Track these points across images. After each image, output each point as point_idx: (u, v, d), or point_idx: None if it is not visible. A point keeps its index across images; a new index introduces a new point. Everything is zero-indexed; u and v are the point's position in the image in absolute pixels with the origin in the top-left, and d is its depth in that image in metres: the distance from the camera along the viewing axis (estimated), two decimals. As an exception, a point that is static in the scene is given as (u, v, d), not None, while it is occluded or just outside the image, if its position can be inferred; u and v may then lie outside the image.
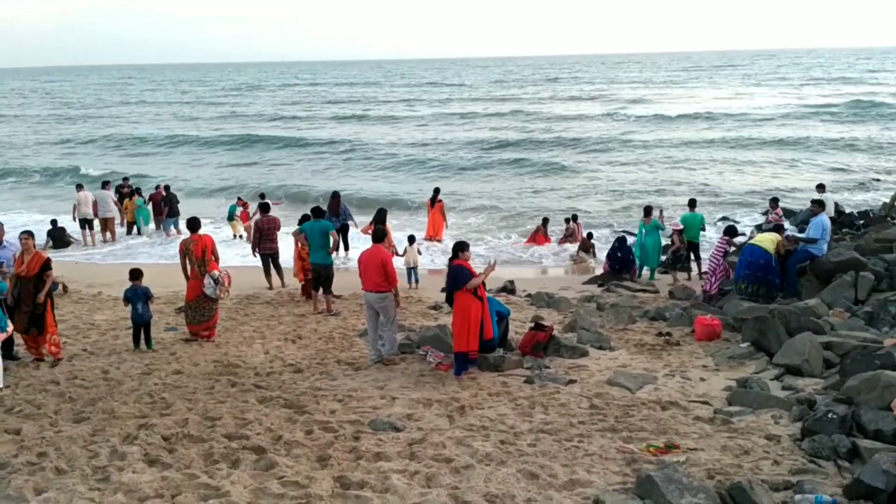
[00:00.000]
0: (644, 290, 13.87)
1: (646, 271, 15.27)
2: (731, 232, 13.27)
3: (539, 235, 19.17)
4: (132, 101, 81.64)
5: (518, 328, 10.56)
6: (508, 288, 13.81)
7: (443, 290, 9.30)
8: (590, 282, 14.95)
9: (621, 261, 14.92)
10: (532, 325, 10.09)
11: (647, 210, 15.46)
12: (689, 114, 48.36)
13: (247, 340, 10.47)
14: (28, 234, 9.19)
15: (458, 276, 8.62)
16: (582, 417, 7.08)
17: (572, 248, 18.23)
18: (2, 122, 62.06)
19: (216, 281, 10.23)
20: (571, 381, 8.29)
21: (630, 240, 16.14)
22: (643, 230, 15.10)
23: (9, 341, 9.17)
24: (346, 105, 68.86)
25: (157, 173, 32.23)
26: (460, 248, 8.91)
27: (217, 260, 10.53)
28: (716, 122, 44.98)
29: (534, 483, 5.58)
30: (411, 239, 14.81)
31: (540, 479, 5.61)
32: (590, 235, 18.18)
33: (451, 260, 8.94)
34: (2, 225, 9.29)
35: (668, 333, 10.40)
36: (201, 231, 10.60)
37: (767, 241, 11.65)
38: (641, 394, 7.88)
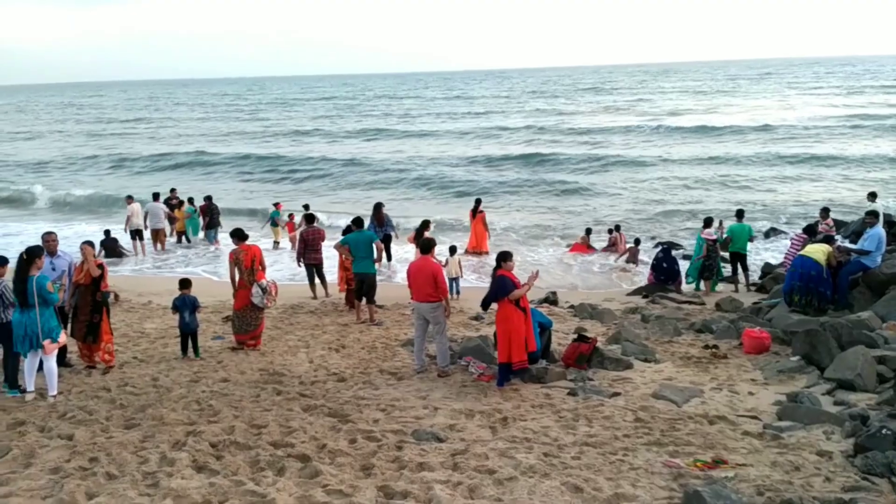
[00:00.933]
0: (690, 302, 13.66)
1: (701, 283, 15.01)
2: (810, 230, 13.16)
3: (581, 245, 19.05)
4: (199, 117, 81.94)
5: (561, 340, 10.49)
6: (551, 299, 13.74)
7: (483, 300, 9.29)
8: (634, 293, 14.80)
9: (666, 272, 14.74)
10: (575, 336, 10.01)
11: (708, 221, 15.22)
12: (734, 125, 47.22)
13: (291, 349, 10.61)
14: (89, 244, 9.47)
15: (501, 286, 8.62)
16: (627, 431, 7.00)
17: (615, 258, 18.07)
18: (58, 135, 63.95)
19: (264, 290, 10.41)
20: (616, 394, 8.20)
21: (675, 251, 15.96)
22: (701, 242, 14.86)
23: (62, 349, 9.45)
24: (380, 118, 68.88)
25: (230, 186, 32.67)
26: (503, 257, 8.90)
27: (264, 269, 10.72)
28: (760, 133, 44.00)
29: (578, 496, 5.52)
30: (452, 249, 14.84)
31: (584, 493, 5.56)
32: (637, 241, 18.00)
33: (494, 270, 8.95)
34: (56, 235, 9.58)
35: (715, 346, 10.22)
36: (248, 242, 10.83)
37: (818, 251, 11.39)
38: (688, 407, 7.75)
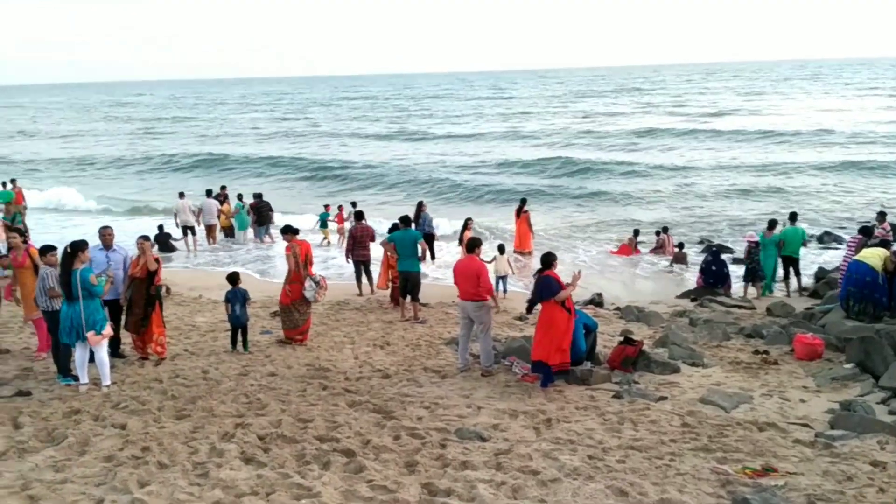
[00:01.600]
0: (739, 306, 13.39)
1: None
2: (866, 231, 12.86)
3: (628, 247, 18.83)
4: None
5: (606, 342, 10.40)
6: (596, 300, 13.62)
7: (528, 301, 9.26)
8: (682, 296, 14.57)
9: (715, 274, 14.48)
10: (621, 339, 9.91)
11: (772, 223, 14.87)
12: (787, 128, 45.86)
13: (337, 345, 10.73)
14: (145, 238, 9.75)
15: (546, 286, 8.58)
16: (673, 435, 6.90)
17: (662, 260, 17.82)
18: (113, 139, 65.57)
19: (317, 283, 10.60)
20: (662, 398, 8.10)
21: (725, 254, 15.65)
22: (764, 243, 14.54)
23: (115, 340, 9.73)
24: (422, 118, 68.70)
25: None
26: (548, 259, 8.86)
27: (311, 265, 10.89)
28: (816, 136, 42.65)
29: (623, 500, 5.48)
30: (501, 248, 14.83)
31: (630, 497, 5.51)
32: (681, 245, 17.72)
33: (539, 271, 8.91)
34: (112, 229, 9.87)
35: (766, 352, 10.01)
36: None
37: (874, 256, 11.03)
38: (737, 413, 7.62)
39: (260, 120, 75.68)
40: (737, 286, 14.70)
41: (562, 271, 9.11)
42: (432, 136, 54.20)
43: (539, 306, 8.74)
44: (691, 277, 15.87)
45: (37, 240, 13.06)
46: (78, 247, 8.47)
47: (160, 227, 20.36)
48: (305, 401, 7.96)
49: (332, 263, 17.92)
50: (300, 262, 10.64)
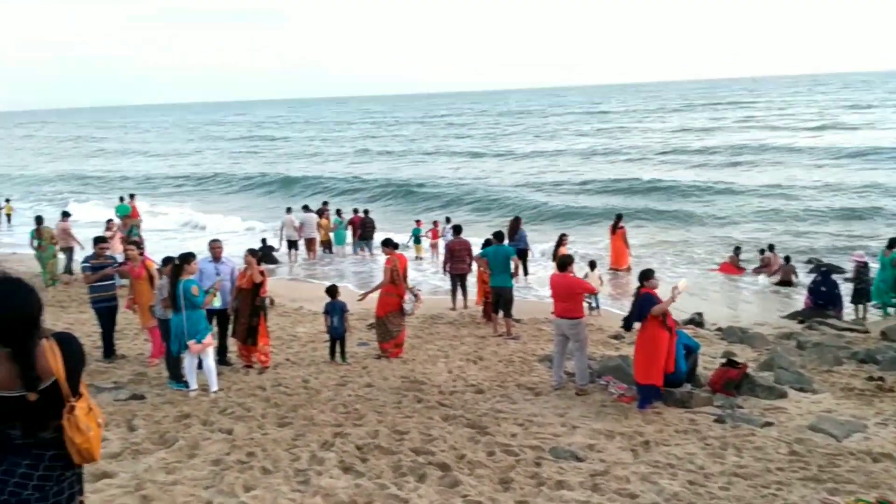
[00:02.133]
0: (852, 329, 12.70)
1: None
2: None
3: (730, 265, 18.17)
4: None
5: (707, 363, 10.07)
6: (696, 320, 13.21)
7: (624, 319, 9.09)
8: (789, 317, 13.94)
9: (825, 296, 13.77)
10: (723, 360, 9.57)
11: (892, 242, 14.05)
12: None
13: (431, 359, 10.85)
14: (252, 252, 10.24)
15: (645, 304, 8.41)
16: (780, 464, 6.60)
17: (768, 279, 17.10)
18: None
19: (415, 296, 10.79)
20: (768, 424, 7.75)
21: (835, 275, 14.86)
22: (883, 262, 13.78)
23: (223, 348, 10.21)
24: (514, 136, 68.29)
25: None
26: (646, 275, 8.70)
27: (406, 279, 11.11)
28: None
29: (726, 529, 5.28)
30: (592, 264, 14.63)
31: (733, 526, 5.30)
32: (787, 259, 16.97)
33: (637, 289, 8.74)
34: (220, 242, 10.41)
35: (881, 378, 9.44)
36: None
37: None
38: (849, 443, 7.20)
39: (359, 139, 77.03)
40: (849, 309, 13.94)
41: (662, 292, 8.85)
42: (521, 152, 53.88)
43: (637, 325, 8.57)
44: (798, 298, 15.15)
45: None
46: (185, 259, 8.97)
47: (263, 241, 21.20)
48: (401, 413, 8.07)
49: (428, 276, 18.15)
50: (399, 276, 10.84)
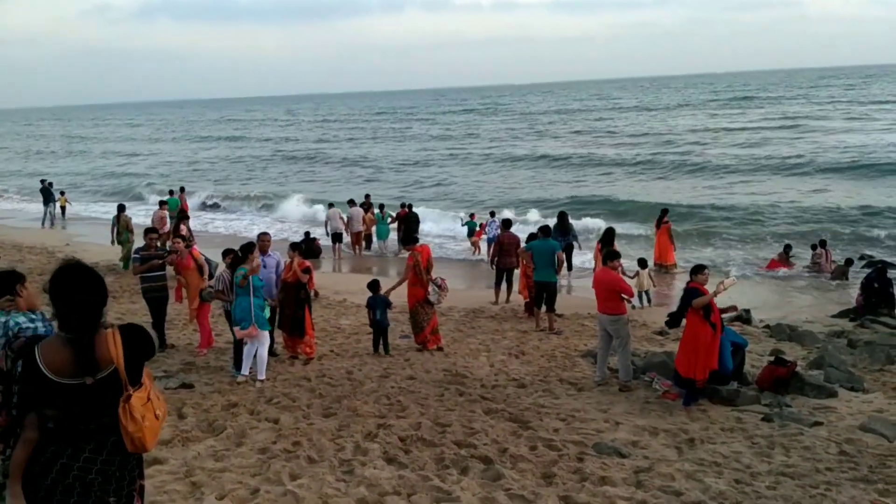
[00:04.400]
0: (906, 328, 12.31)
1: None
2: None
3: (779, 262, 17.78)
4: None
5: (755, 361, 9.89)
6: (743, 317, 12.96)
7: (669, 315, 8.98)
8: (840, 315, 13.58)
9: (879, 293, 13.38)
10: (772, 358, 9.39)
11: None
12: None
13: (473, 352, 10.88)
14: (295, 247, 10.46)
15: (689, 297, 8.32)
16: (829, 464, 6.46)
17: (819, 276, 16.71)
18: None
19: (439, 287, 10.86)
20: (817, 423, 7.59)
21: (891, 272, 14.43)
22: None
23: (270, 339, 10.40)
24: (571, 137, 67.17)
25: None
26: (696, 270, 8.62)
27: (432, 270, 11.22)
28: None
29: (773, 529, 5.20)
30: (643, 263, 14.47)
31: (781, 526, 5.22)
32: (849, 262, 16.54)
33: (687, 283, 8.66)
34: (269, 235, 10.66)
35: (937, 379, 9.15)
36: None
37: None
38: (902, 444, 7.01)
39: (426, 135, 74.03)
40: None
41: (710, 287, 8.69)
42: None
43: (685, 321, 8.47)
44: (851, 295, 14.76)
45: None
46: (246, 249, 9.24)
47: (307, 234, 21.46)
48: (443, 405, 8.12)
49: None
50: (422, 269, 10.90)
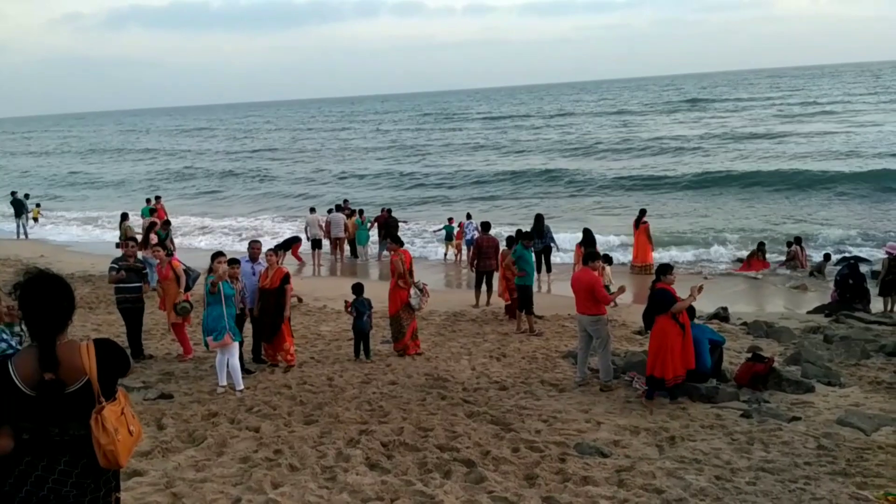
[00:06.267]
0: (880, 322, 12.50)
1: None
2: None
3: (755, 260, 17.98)
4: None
5: (732, 358, 9.99)
6: (721, 315, 13.09)
7: (643, 318, 9.05)
8: (815, 311, 13.77)
9: (853, 288, 13.59)
10: (749, 355, 9.50)
11: None
12: None
13: (454, 356, 10.88)
14: (273, 251, 10.39)
15: (660, 299, 8.37)
16: (808, 458, 6.54)
17: (792, 273, 16.93)
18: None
19: (421, 290, 10.87)
20: (795, 418, 7.68)
21: (863, 267, 14.66)
22: None
23: (257, 347, 10.34)
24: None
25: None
26: (664, 270, 8.67)
27: (412, 274, 11.20)
28: None
29: (754, 524, 5.25)
30: (608, 259, 14.57)
31: (761, 521, 5.28)
32: (827, 257, 16.81)
33: (653, 283, 8.70)
34: (260, 243, 10.64)
35: (911, 372, 9.30)
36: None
37: None
38: (878, 436, 7.11)
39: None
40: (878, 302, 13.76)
41: (681, 287, 8.81)
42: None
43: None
44: (825, 291, 14.98)
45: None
46: (214, 257, 9.23)
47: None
48: (425, 410, 8.12)
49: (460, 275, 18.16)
50: (405, 270, 10.91)
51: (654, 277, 8.94)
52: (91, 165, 64.63)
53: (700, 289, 8.55)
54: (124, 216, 21.10)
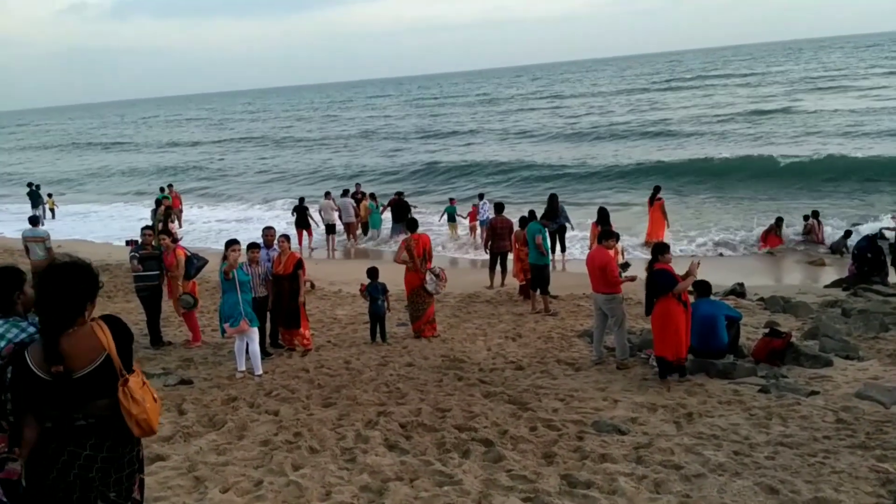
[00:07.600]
0: (899, 295, 12.39)
1: None
2: None
3: (772, 236, 17.83)
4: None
5: (750, 334, 9.95)
6: (738, 290, 13.03)
7: (645, 303, 8.99)
8: (833, 285, 13.67)
9: (871, 262, 13.46)
10: (767, 331, 9.46)
11: None
12: None
13: (470, 337, 10.91)
14: (284, 237, 10.37)
15: (660, 280, 8.32)
16: (827, 432, 6.52)
17: (811, 247, 16.80)
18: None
19: (437, 276, 10.86)
20: (814, 393, 7.66)
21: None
22: None
23: (274, 332, 10.40)
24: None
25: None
26: (662, 250, 8.61)
27: (431, 259, 11.17)
28: None
29: (773, 498, 5.24)
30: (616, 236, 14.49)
31: (780, 495, 5.26)
32: (847, 234, 16.65)
33: (651, 263, 8.62)
34: (274, 229, 10.64)
35: (931, 344, 9.23)
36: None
37: None
38: (898, 410, 7.08)
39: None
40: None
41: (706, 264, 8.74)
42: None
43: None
44: (843, 265, 14.85)
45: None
46: (227, 246, 9.24)
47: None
48: (442, 391, 8.16)
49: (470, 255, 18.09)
50: (415, 257, 10.89)
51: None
52: (110, 154, 65.01)
53: (697, 264, 8.51)
54: (158, 202, 21.47)
